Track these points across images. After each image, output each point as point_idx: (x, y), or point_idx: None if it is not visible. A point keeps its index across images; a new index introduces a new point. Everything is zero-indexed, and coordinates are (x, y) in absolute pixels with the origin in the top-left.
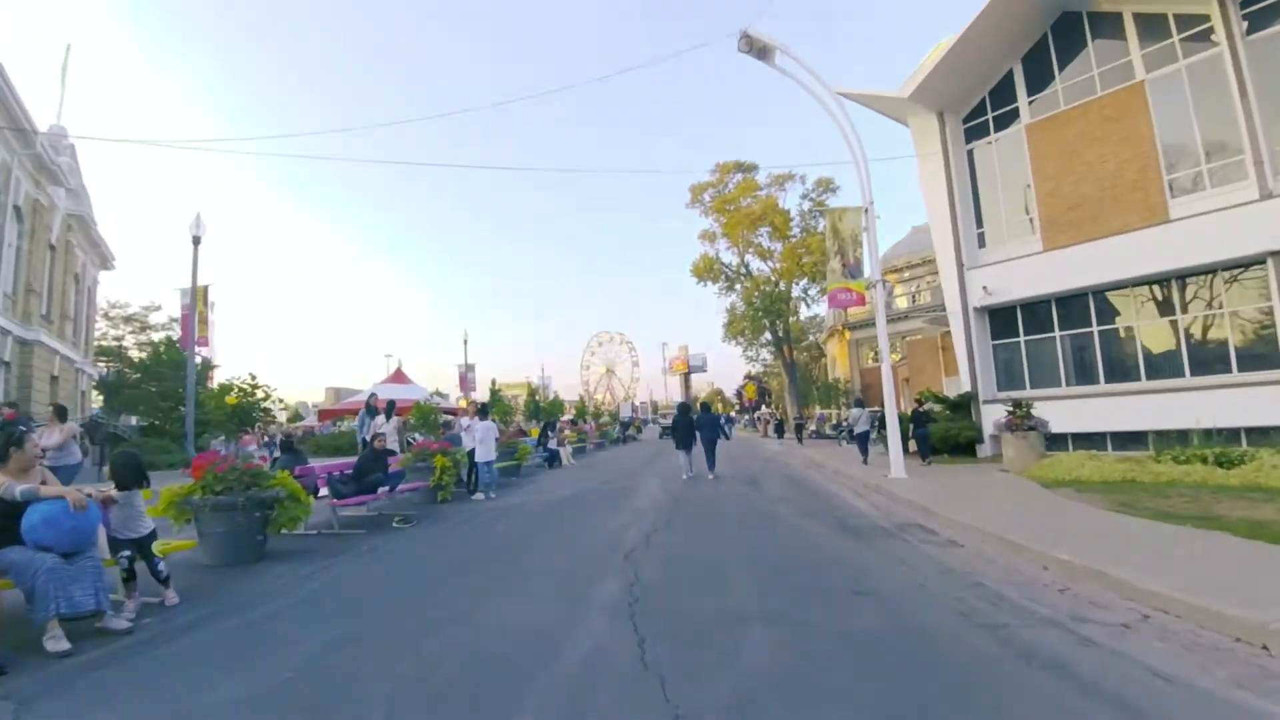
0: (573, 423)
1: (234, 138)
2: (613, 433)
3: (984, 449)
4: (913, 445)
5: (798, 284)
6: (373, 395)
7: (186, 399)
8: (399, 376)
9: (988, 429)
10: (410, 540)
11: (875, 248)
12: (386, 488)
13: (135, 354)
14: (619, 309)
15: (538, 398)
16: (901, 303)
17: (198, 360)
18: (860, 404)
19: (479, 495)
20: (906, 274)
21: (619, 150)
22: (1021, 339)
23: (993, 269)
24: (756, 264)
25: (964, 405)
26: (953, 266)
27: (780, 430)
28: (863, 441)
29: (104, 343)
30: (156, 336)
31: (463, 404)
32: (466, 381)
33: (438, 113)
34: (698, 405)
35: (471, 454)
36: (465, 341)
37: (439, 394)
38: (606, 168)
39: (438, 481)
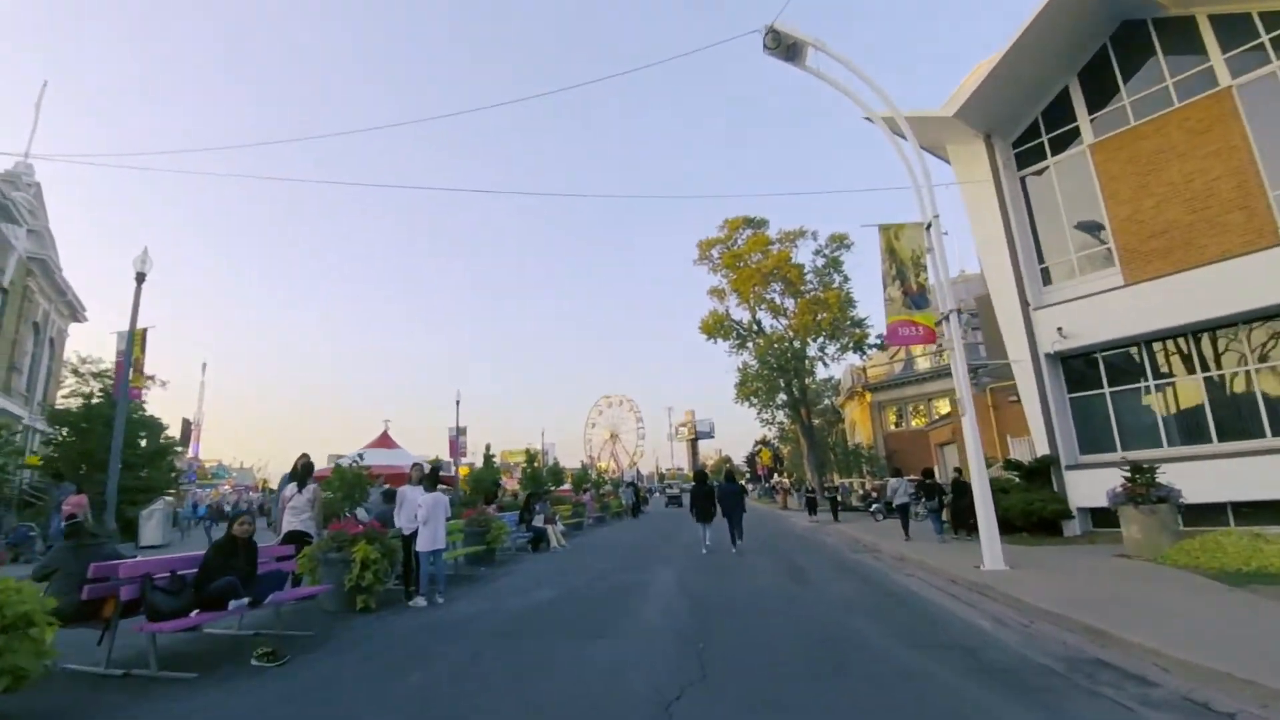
0: (576, 489)
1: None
2: (616, 504)
3: (1072, 526)
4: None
5: (813, 342)
6: (301, 456)
7: (111, 460)
8: (385, 440)
9: (1075, 500)
10: (253, 706)
11: (945, 271)
12: (245, 600)
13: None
14: (624, 373)
15: (537, 464)
16: (922, 363)
17: (145, 412)
18: (898, 473)
19: (419, 600)
20: None
21: (624, 203)
22: (1106, 390)
23: (1064, 309)
24: (769, 321)
25: (1041, 471)
26: (1015, 307)
27: (813, 506)
28: (903, 515)
29: (69, 401)
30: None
31: (463, 471)
32: (457, 446)
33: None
34: (721, 474)
35: (410, 539)
36: (457, 403)
37: (436, 463)
38: (599, 193)
39: (355, 582)
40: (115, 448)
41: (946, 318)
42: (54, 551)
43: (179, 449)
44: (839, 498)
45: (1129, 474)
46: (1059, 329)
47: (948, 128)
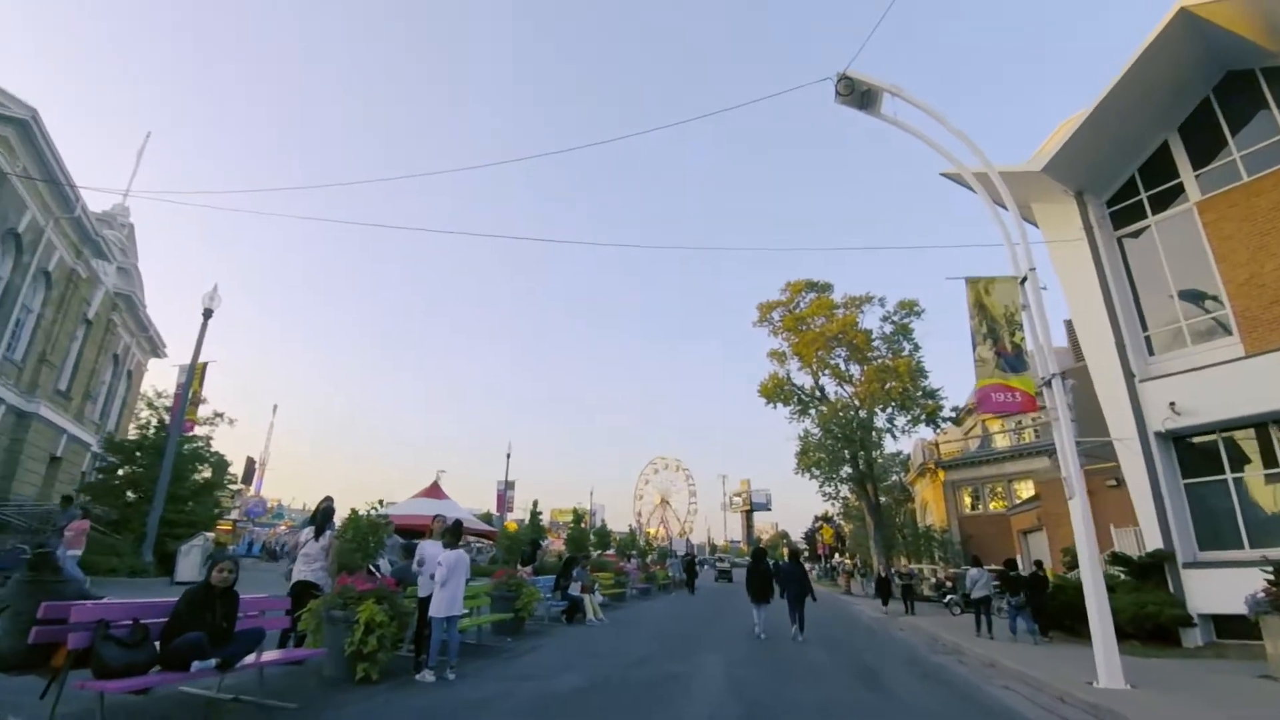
0: (626, 555)
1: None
2: (663, 575)
3: (1193, 635)
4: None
5: (881, 412)
6: (323, 499)
7: (156, 492)
8: (434, 491)
9: (1195, 605)
10: None
11: (1046, 330)
12: (211, 661)
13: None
14: (677, 436)
15: (584, 524)
16: (1000, 441)
17: (205, 446)
18: (977, 562)
19: (427, 674)
20: None
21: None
22: (1228, 475)
23: (1174, 382)
24: (833, 388)
25: (1154, 568)
26: (1118, 379)
27: (885, 593)
28: (981, 609)
29: (143, 431)
30: (197, 431)
31: (510, 527)
32: (504, 500)
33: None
34: (782, 552)
35: (425, 602)
36: (508, 455)
37: (487, 518)
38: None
39: (356, 646)
40: (162, 480)
41: (1048, 383)
42: (9, 584)
43: (233, 485)
44: (918, 585)
45: (1272, 577)
46: (1172, 404)
47: (1034, 185)
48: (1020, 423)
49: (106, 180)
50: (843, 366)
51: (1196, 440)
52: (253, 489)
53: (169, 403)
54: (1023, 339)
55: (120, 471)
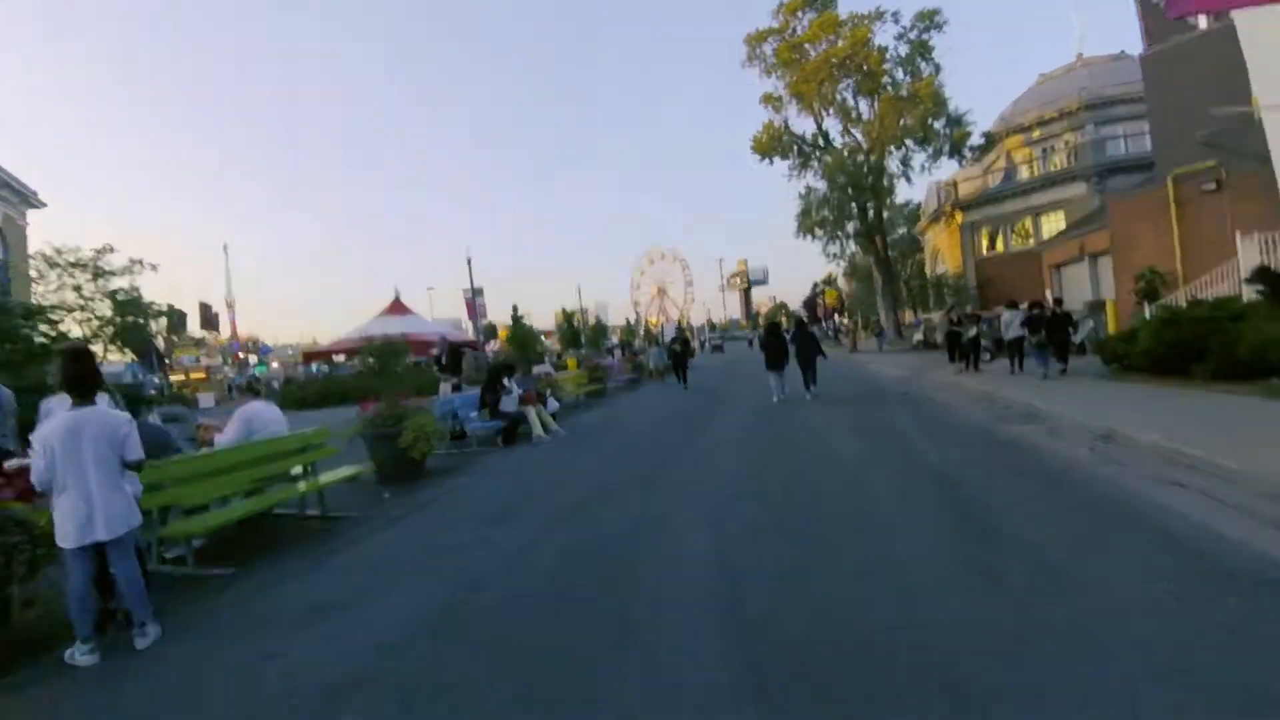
0: (605, 350)
1: None
2: (649, 362)
3: None
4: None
5: (895, 152)
6: None
7: None
8: (397, 307)
9: None
10: None
11: None
12: None
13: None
14: (672, 227)
15: (576, 322)
16: (1026, 172)
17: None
18: (1014, 304)
19: (78, 653)
20: (1037, 133)
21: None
22: None
23: None
24: (838, 133)
25: None
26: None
27: (962, 351)
28: (1015, 350)
29: (54, 295)
30: (117, 283)
31: (502, 334)
32: (475, 308)
33: None
34: (782, 319)
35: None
36: (468, 260)
37: (490, 331)
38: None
39: None
40: None
41: None
42: None
43: (190, 336)
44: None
45: None
46: None
47: None
48: (1050, 148)
49: None
50: (850, 102)
51: None
52: (224, 332)
53: (71, 258)
54: None
55: None
